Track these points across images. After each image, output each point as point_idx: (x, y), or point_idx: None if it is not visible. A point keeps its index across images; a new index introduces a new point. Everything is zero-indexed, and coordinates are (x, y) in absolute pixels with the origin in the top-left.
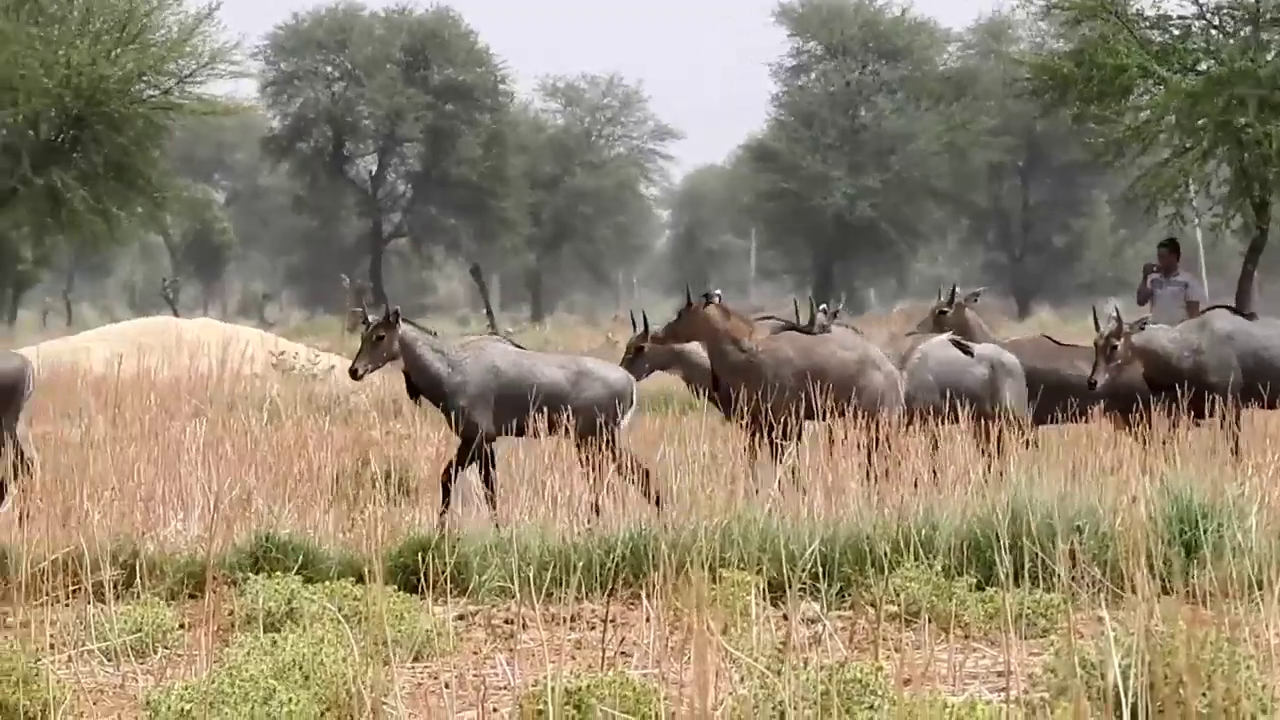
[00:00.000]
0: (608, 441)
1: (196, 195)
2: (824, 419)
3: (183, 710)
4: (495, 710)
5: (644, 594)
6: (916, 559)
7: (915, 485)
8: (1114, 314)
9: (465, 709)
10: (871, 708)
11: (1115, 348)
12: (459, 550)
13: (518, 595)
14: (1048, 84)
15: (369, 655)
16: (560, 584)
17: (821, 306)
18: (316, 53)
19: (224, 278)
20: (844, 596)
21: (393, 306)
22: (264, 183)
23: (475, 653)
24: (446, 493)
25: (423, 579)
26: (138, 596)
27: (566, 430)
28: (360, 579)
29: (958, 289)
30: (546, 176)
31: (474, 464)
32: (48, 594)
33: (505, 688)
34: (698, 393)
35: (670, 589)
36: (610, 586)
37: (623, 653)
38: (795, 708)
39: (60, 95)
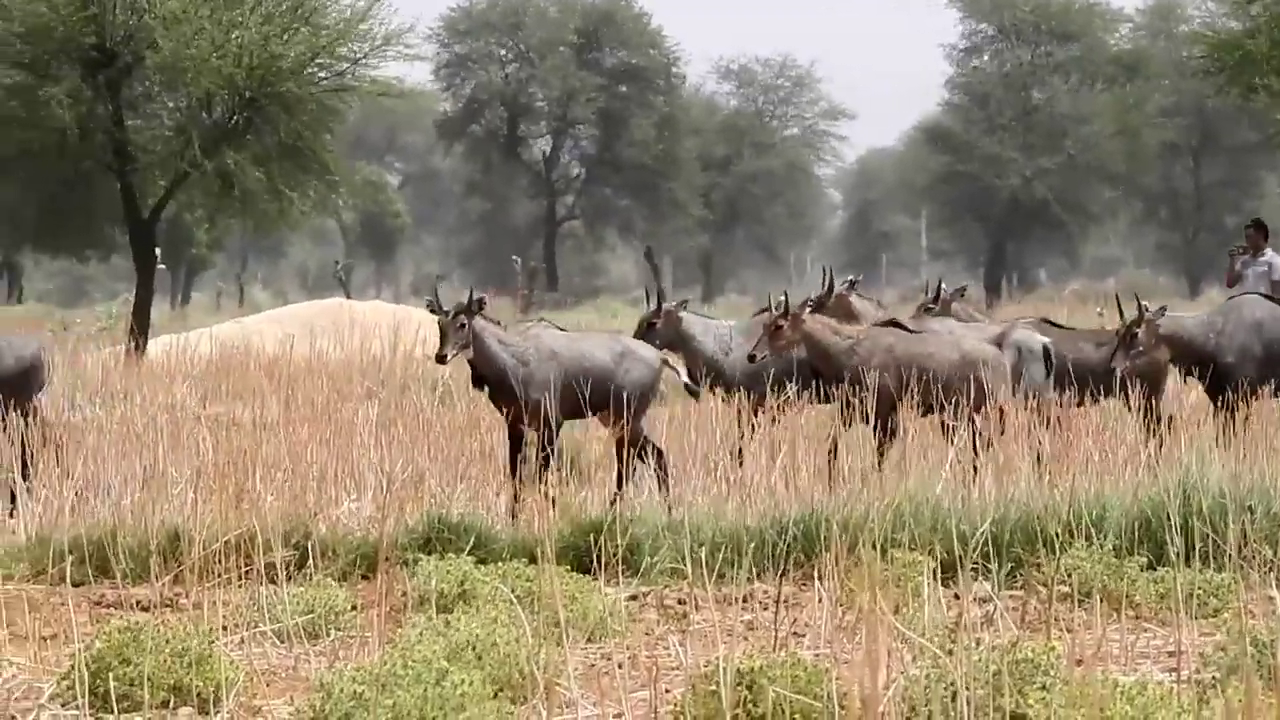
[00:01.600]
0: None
1: (370, 178)
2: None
3: (356, 692)
4: (668, 691)
5: (816, 574)
6: (1087, 539)
7: (1085, 465)
8: (1140, 302)
9: (638, 689)
10: (1044, 688)
11: (1135, 335)
12: (631, 532)
13: (690, 576)
14: (1224, 62)
15: (542, 636)
16: (732, 565)
17: (847, 280)
18: (490, 35)
19: (397, 260)
20: (1015, 577)
21: (476, 295)
22: (437, 165)
23: (648, 633)
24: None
25: (595, 560)
26: (310, 578)
27: (617, 410)
28: (533, 560)
29: (943, 284)
30: (719, 158)
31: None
32: (220, 576)
33: (677, 668)
34: (694, 377)
35: (842, 569)
36: (782, 567)
37: (795, 633)
38: (967, 688)
39: (232, 77)
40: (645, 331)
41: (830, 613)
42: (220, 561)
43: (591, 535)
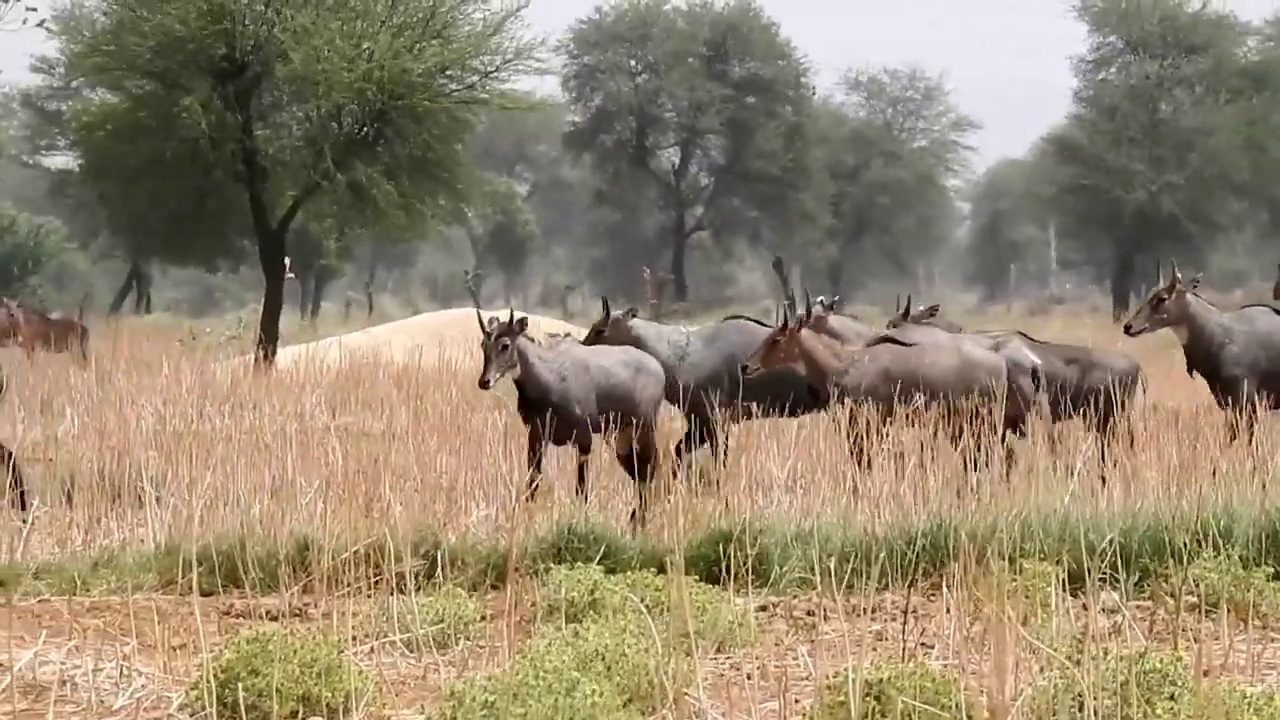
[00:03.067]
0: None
1: (499, 188)
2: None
3: (487, 701)
4: (797, 701)
5: (944, 585)
6: (1215, 549)
7: (1213, 475)
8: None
9: (767, 700)
10: (1171, 698)
11: (1163, 300)
12: (760, 542)
13: (819, 586)
14: None
15: (671, 646)
16: (861, 575)
17: (819, 300)
18: (619, 46)
19: (526, 270)
20: (1142, 587)
21: (518, 315)
22: (566, 175)
23: (777, 644)
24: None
25: (724, 570)
26: (439, 587)
27: (635, 426)
28: (662, 570)
29: (911, 302)
30: (847, 168)
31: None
32: (350, 585)
33: (807, 679)
34: None
35: (970, 580)
36: (910, 577)
37: (923, 644)
38: (1095, 698)
39: (362, 89)
40: (594, 339)
41: (958, 623)
42: (349, 571)
43: (721, 545)
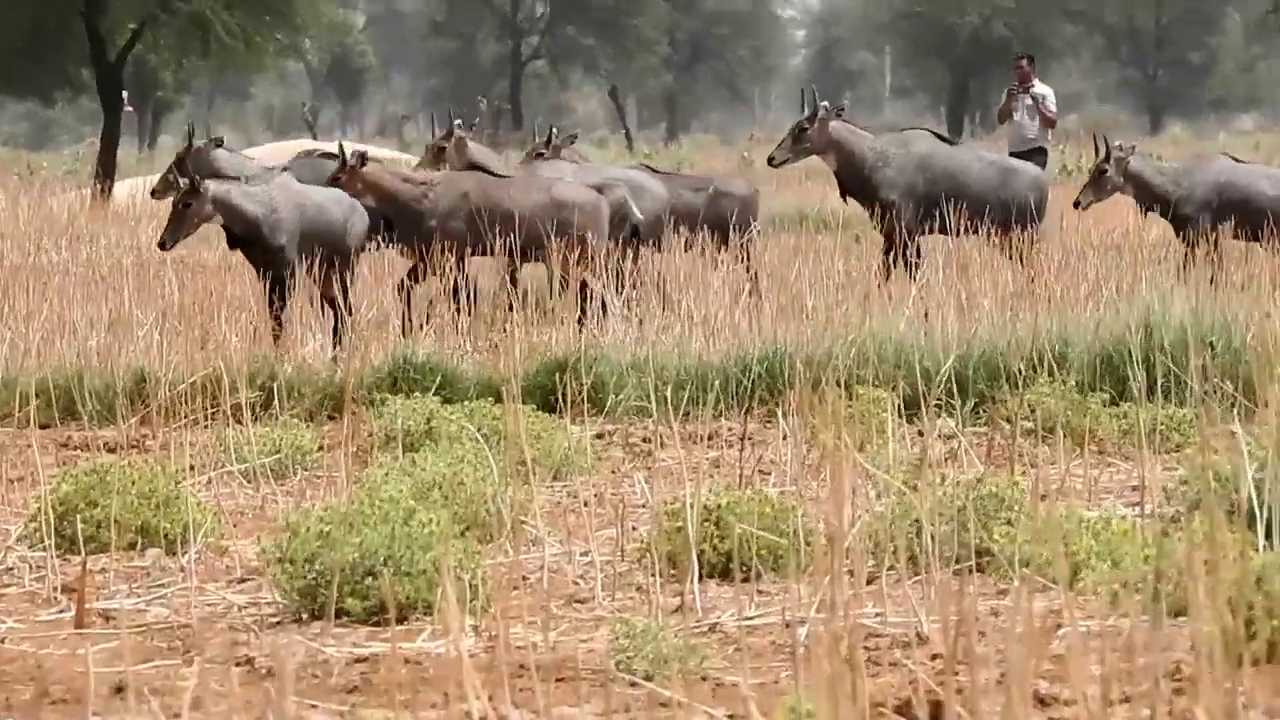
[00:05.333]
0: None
1: (335, 19)
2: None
3: (323, 531)
4: (634, 529)
5: (780, 412)
6: (1050, 375)
7: (1048, 302)
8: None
9: (604, 527)
10: (1008, 522)
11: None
12: (596, 370)
13: (655, 414)
14: None
15: (508, 474)
16: (697, 403)
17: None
18: None
19: (363, 101)
20: (979, 413)
21: (200, 180)
22: (402, 6)
23: (614, 471)
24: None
25: (560, 399)
26: (276, 419)
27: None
28: (499, 399)
29: (554, 131)
30: None
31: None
32: (187, 417)
33: (644, 506)
34: None
35: (806, 406)
36: (747, 405)
37: (760, 470)
38: (932, 523)
39: None
40: (178, 165)
41: (795, 450)
42: (186, 403)
43: (557, 374)
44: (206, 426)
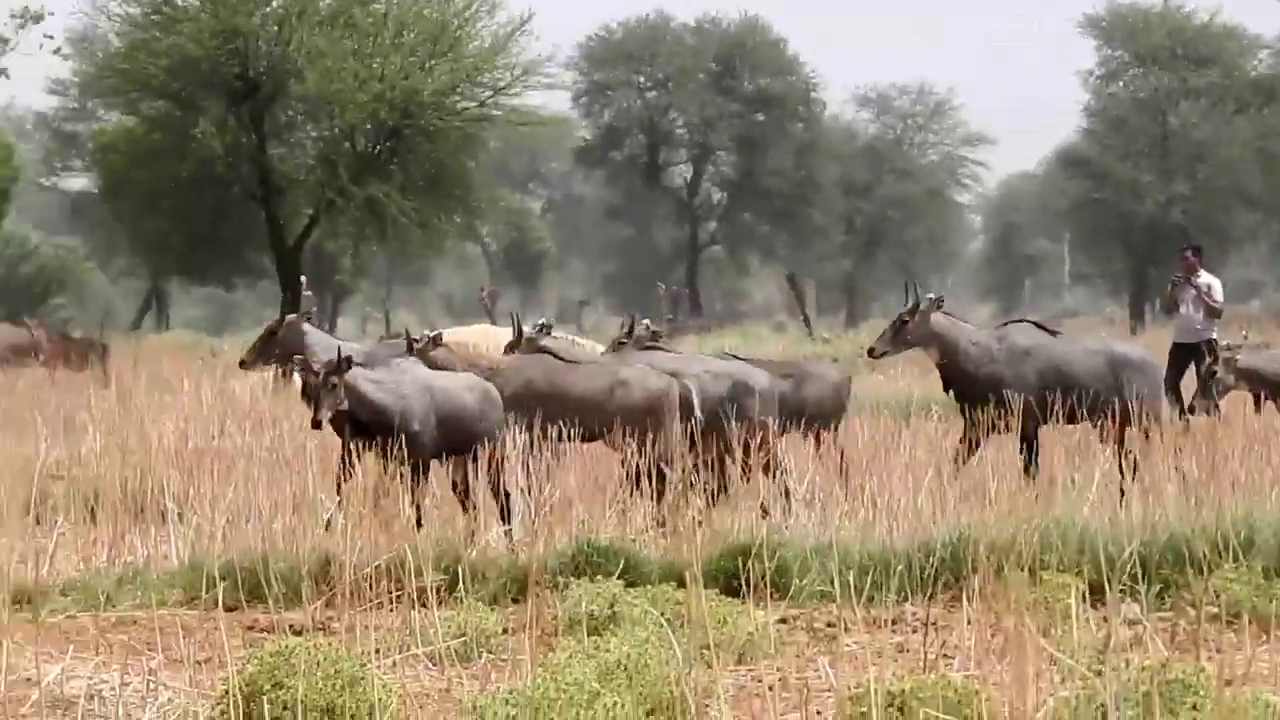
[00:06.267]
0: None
1: (513, 205)
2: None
3: (509, 715)
4: (818, 713)
5: (964, 596)
6: (1236, 560)
7: (1233, 486)
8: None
9: (788, 711)
10: (1194, 708)
11: (906, 322)
12: (780, 555)
13: (839, 598)
14: None
15: (692, 658)
16: (880, 587)
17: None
18: (627, 63)
19: (541, 286)
20: (1163, 598)
21: (345, 354)
22: (579, 191)
23: (797, 655)
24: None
25: (744, 583)
26: (461, 601)
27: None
28: (681, 583)
29: (636, 320)
30: (860, 184)
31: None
32: (372, 600)
33: (828, 690)
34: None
35: (990, 591)
36: (930, 589)
37: (944, 655)
38: (1117, 708)
39: (375, 109)
40: (267, 339)
41: (979, 634)
42: (372, 586)
43: (740, 558)
44: (392, 609)
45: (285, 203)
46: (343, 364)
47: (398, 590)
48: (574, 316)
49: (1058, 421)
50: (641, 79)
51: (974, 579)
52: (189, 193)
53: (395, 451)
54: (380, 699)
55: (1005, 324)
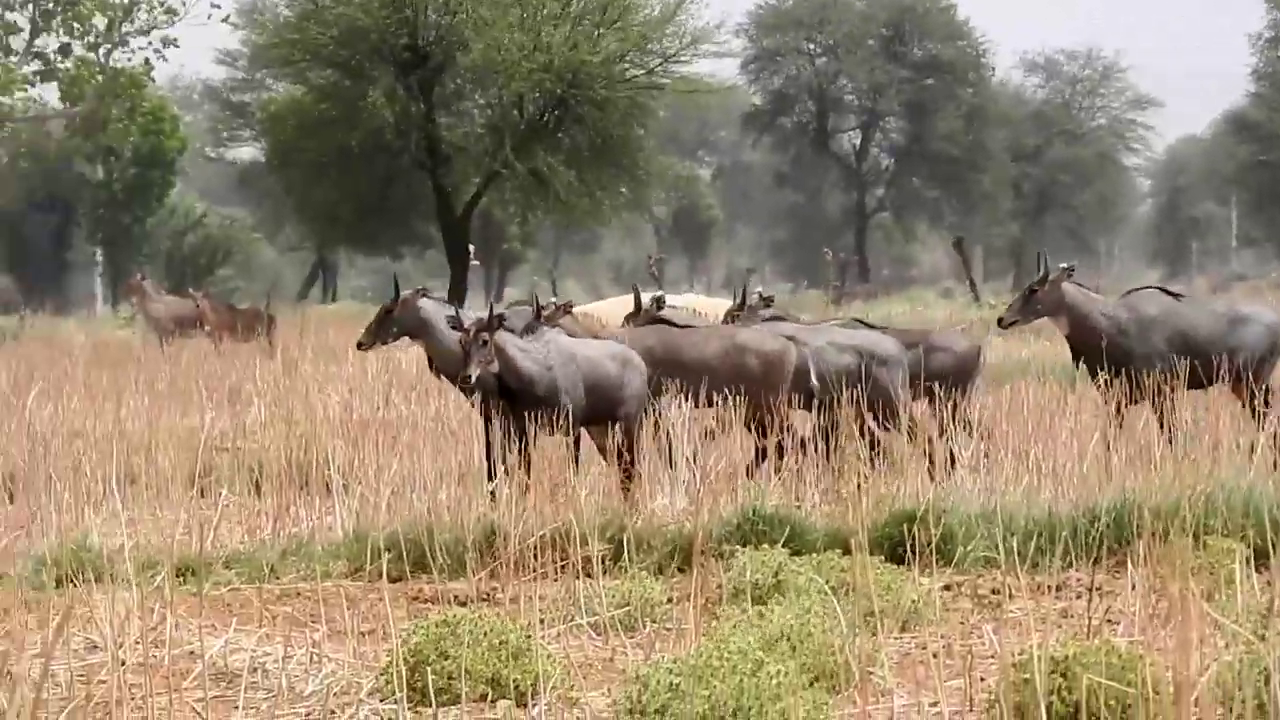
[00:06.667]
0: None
1: (681, 173)
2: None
3: (672, 683)
4: (983, 679)
5: (1128, 562)
6: None
7: None
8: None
9: (952, 678)
10: None
11: (1035, 292)
12: (945, 521)
13: (1003, 565)
14: None
15: (856, 626)
16: (1045, 553)
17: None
18: (797, 29)
19: (709, 253)
20: None
21: (497, 311)
22: (747, 159)
23: (962, 622)
24: None
25: (908, 550)
26: (625, 571)
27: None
28: (846, 551)
29: (748, 288)
30: (1028, 149)
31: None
32: (537, 570)
33: (992, 657)
34: (433, 365)
35: (1154, 557)
36: (1095, 555)
37: (1108, 620)
38: None
39: (542, 79)
40: (383, 319)
41: (1143, 600)
42: (536, 556)
43: (905, 525)
44: (556, 579)
45: (453, 172)
46: (494, 321)
47: (562, 560)
48: (741, 283)
49: (1187, 387)
50: (811, 45)
51: (1138, 544)
52: (357, 162)
53: (544, 421)
54: (544, 669)
55: (1129, 293)
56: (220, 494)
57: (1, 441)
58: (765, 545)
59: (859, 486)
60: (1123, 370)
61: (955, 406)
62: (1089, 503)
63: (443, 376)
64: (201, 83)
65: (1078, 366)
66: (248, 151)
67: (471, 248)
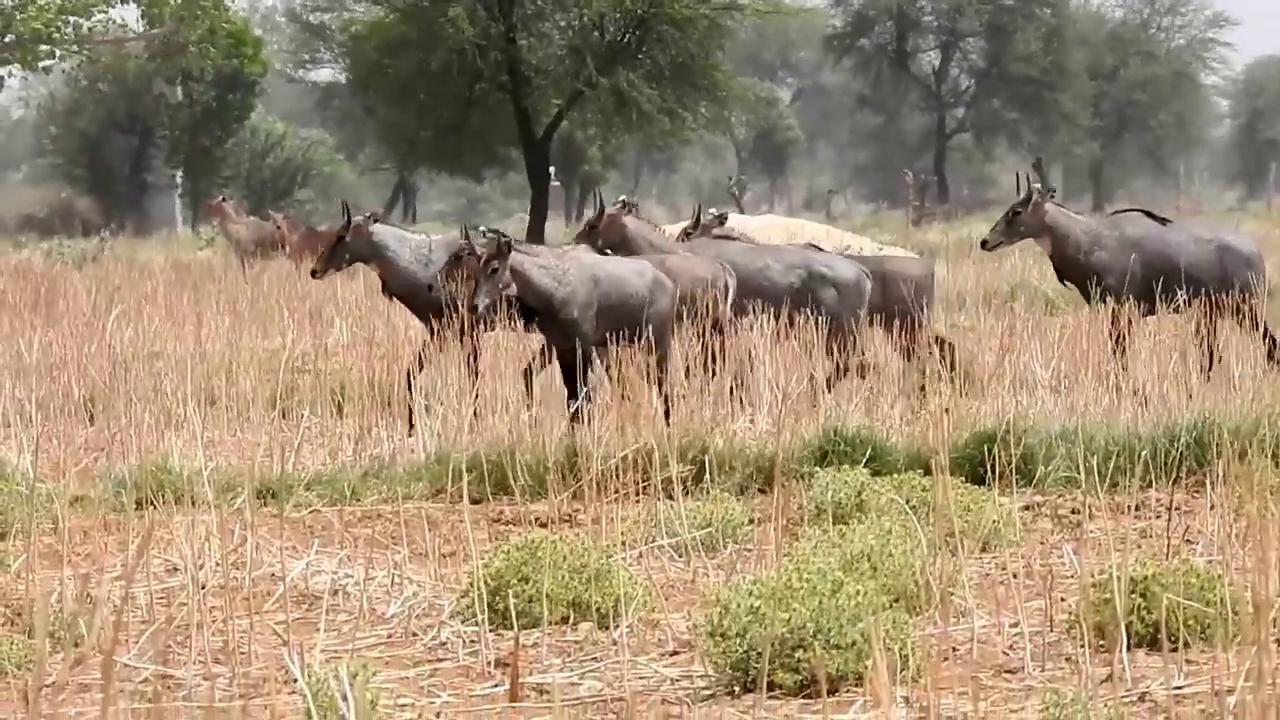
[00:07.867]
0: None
1: (761, 94)
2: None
3: (752, 605)
4: (1063, 600)
5: (1208, 482)
6: None
7: None
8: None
9: (1032, 598)
10: None
11: (1018, 214)
12: (1025, 442)
13: (1083, 485)
14: None
15: (936, 546)
16: (1125, 473)
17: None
18: None
19: (789, 174)
20: None
21: (493, 233)
22: (827, 80)
23: (1042, 543)
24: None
25: (989, 470)
26: (706, 492)
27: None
28: (927, 471)
29: (701, 210)
30: (1106, 68)
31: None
32: (618, 491)
33: (1071, 577)
34: (390, 289)
35: (1234, 477)
36: (1175, 475)
37: (1187, 540)
38: None
39: None
40: (335, 245)
41: (1222, 520)
42: (617, 477)
43: (985, 446)
44: (637, 501)
45: (534, 93)
46: (504, 248)
47: (644, 482)
48: (822, 205)
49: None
50: None
51: (1218, 465)
52: (438, 83)
53: (557, 337)
54: (626, 591)
55: (1114, 213)
56: (301, 415)
57: (82, 363)
58: (846, 466)
59: (941, 407)
60: (1101, 288)
61: (915, 330)
62: (1169, 423)
63: (395, 300)
64: (282, 4)
65: (1064, 286)
66: (328, 73)
67: (552, 170)
